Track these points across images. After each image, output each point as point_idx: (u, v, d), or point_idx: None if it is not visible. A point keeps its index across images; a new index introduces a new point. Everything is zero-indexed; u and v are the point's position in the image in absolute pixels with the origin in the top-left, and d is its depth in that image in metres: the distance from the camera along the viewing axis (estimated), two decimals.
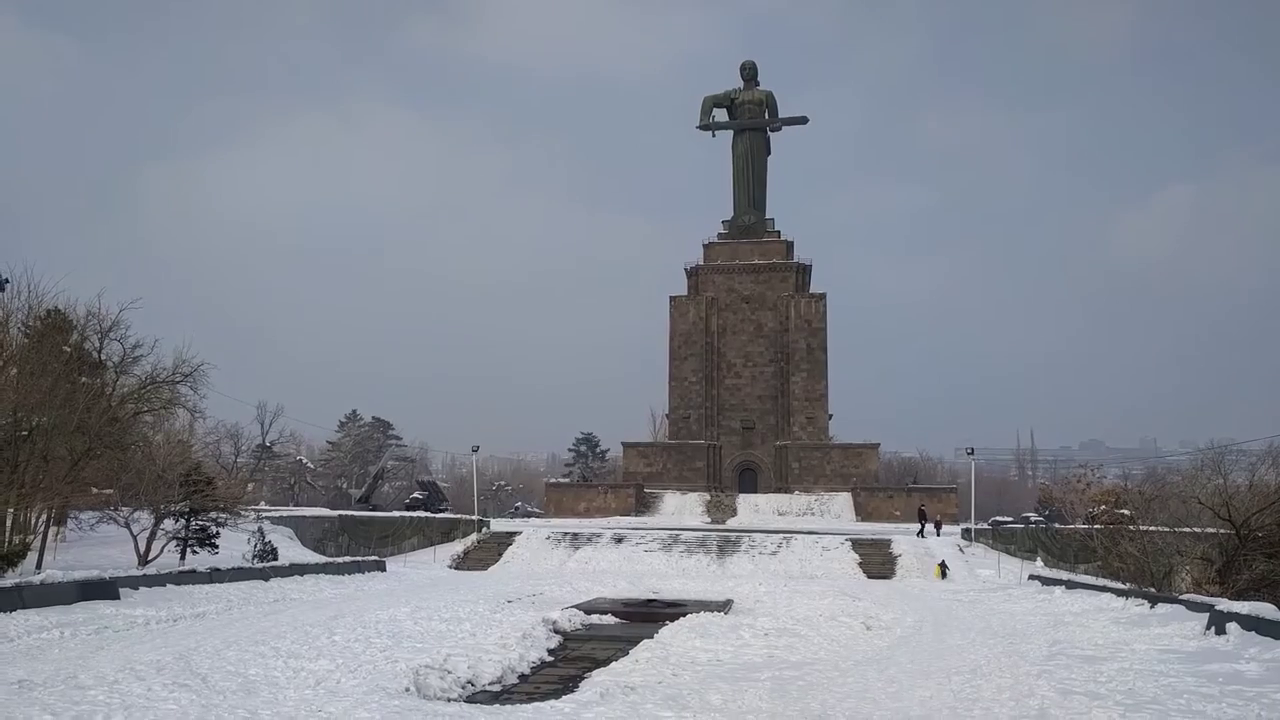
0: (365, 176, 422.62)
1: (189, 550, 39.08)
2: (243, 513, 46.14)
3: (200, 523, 39.21)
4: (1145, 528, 35.89)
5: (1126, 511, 39.77)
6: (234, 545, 41.69)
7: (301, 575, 36.99)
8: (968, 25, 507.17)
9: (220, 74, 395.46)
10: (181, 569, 32.73)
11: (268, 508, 65.32)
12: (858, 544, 55.66)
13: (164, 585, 29.28)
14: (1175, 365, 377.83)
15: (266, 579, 34.33)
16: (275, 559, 41.20)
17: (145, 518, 37.68)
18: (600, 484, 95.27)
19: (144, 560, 36.43)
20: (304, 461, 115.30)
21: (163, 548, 37.74)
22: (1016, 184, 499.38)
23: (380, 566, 45.78)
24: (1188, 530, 35.18)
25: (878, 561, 53.15)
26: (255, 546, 41.96)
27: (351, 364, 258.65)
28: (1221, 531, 34.04)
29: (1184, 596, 26.70)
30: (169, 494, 37.28)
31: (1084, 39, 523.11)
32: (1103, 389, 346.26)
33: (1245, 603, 21.96)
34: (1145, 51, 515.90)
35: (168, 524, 38.30)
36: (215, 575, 32.48)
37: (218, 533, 40.04)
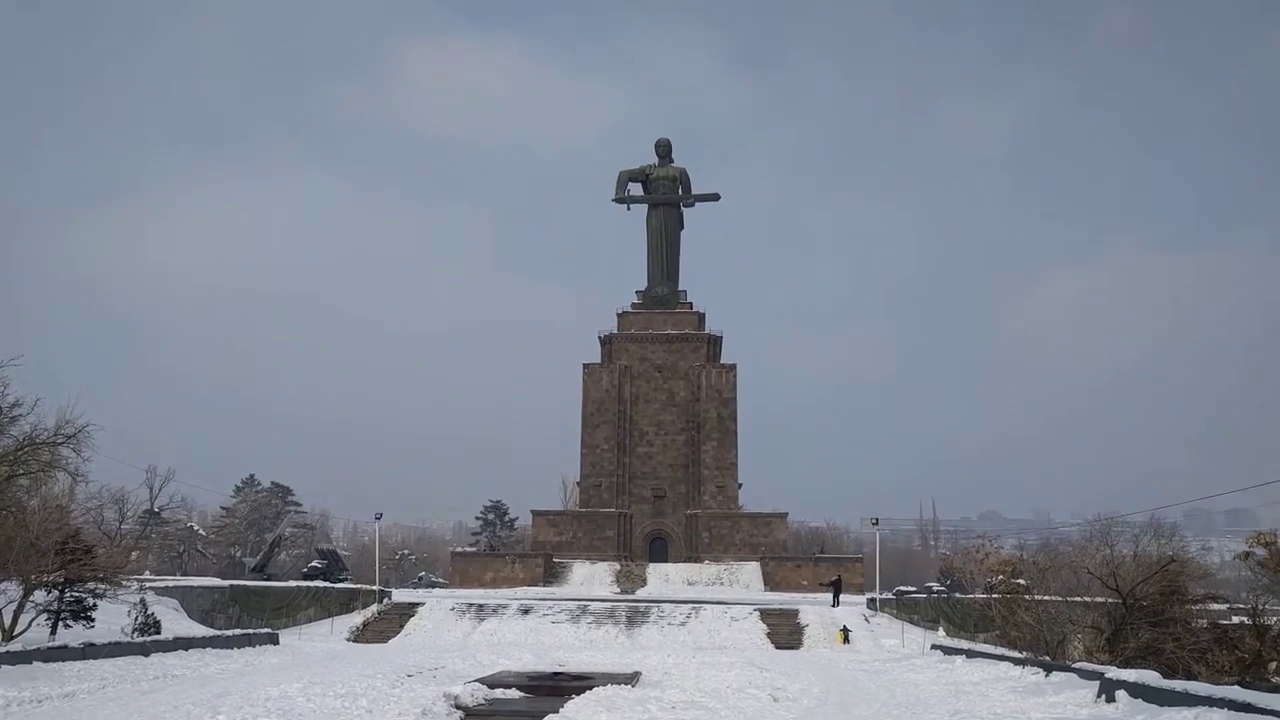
0: (280, 236, 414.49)
1: (61, 624, 36.44)
2: (124, 583, 43.28)
3: (76, 594, 36.68)
4: (1040, 597, 37.04)
5: (1022, 581, 41.00)
6: (113, 618, 39.10)
7: (186, 649, 34.91)
8: (876, 110, 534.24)
9: (134, 127, 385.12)
10: (51, 645, 30.46)
11: (153, 578, 61.65)
12: (766, 614, 55.70)
13: (30, 663, 27.17)
14: (1065, 438, 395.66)
15: (147, 654, 32.24)
16: (158, 632, 38.77)
17: (13, 589, 35.04)
18: (508, 553, 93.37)
19: (9, 635, 33.77)
20: (195, 528, 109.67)
21: (30, 621, 35.10)
22: (919, 261, 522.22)
23: (273, 639, 43.55)
24: (1079, 600, 36.44)
25: (785, 631, 53.22)
26: (136, 619, 39.42)
27: (252, 428, 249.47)
28: (1110, 600, 35.37)
29: (1076, 665, 27.51)
30: (42, 563, 34.82)
31: (979, 128, 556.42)
32: (999, 461, 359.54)
33: (1133, 670, 22.76)
34: (1035, 140, 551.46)
35: (39, 595, 35.69)
36: (89, 651, 30.33)
37: (95, 605, 37.48)
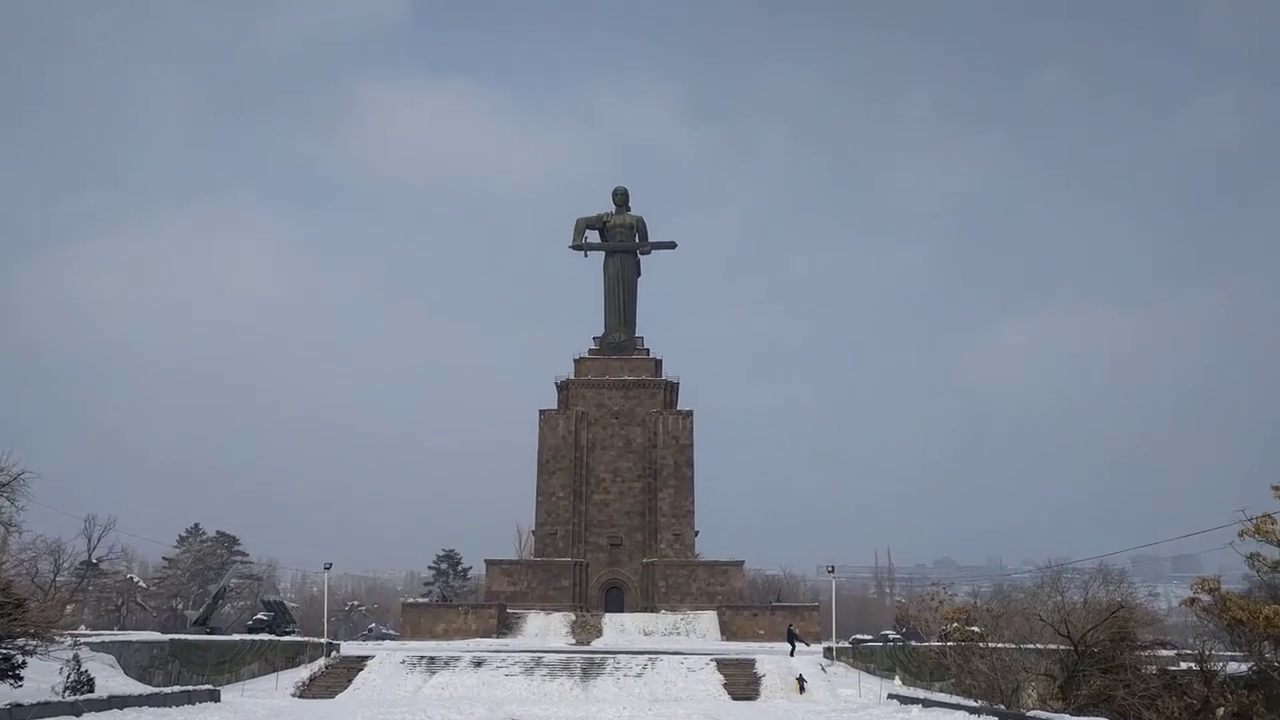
0: (228, 279, 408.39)
1: None
2: (57, 638, 41.52)
3: (4, 651, 35.05)
4: (994, 645, 37.23)
5: (977, 629, 41.23)
6: (44, 676, 37.37)
7: (121, 708, 33.48)
8: (828, 163, 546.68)
9: (84, 170, 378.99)
10: None
11: (88, 632, 59.27)
12: (723, 664, 55.13)
13: None
14: (1017, 485, 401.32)
15: (78, 714, 30.86)
16: (91, 690, 37.12)
17: None
18: (460, 604, 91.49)
19: None
20: (135, 580, 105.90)
21: None
22: (876, 312, 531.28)
23: (214, 696, 42.00)
24: (1032, 647, 36.69)
25: (742, 682, 52.67)
26: (68, 677, 37.73)
27: (198, 476, 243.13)
28: (1062, 647, 35.67)
29: (1031, 713, 27.61)
30: None
31: (929, 182, 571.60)
32: (953, 508, 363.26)
33: (1085, 718, 22.89)
34: (984, 193, 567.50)
35: None
36: (15, 713, 28.90)
37: (24, 662, 35.81)
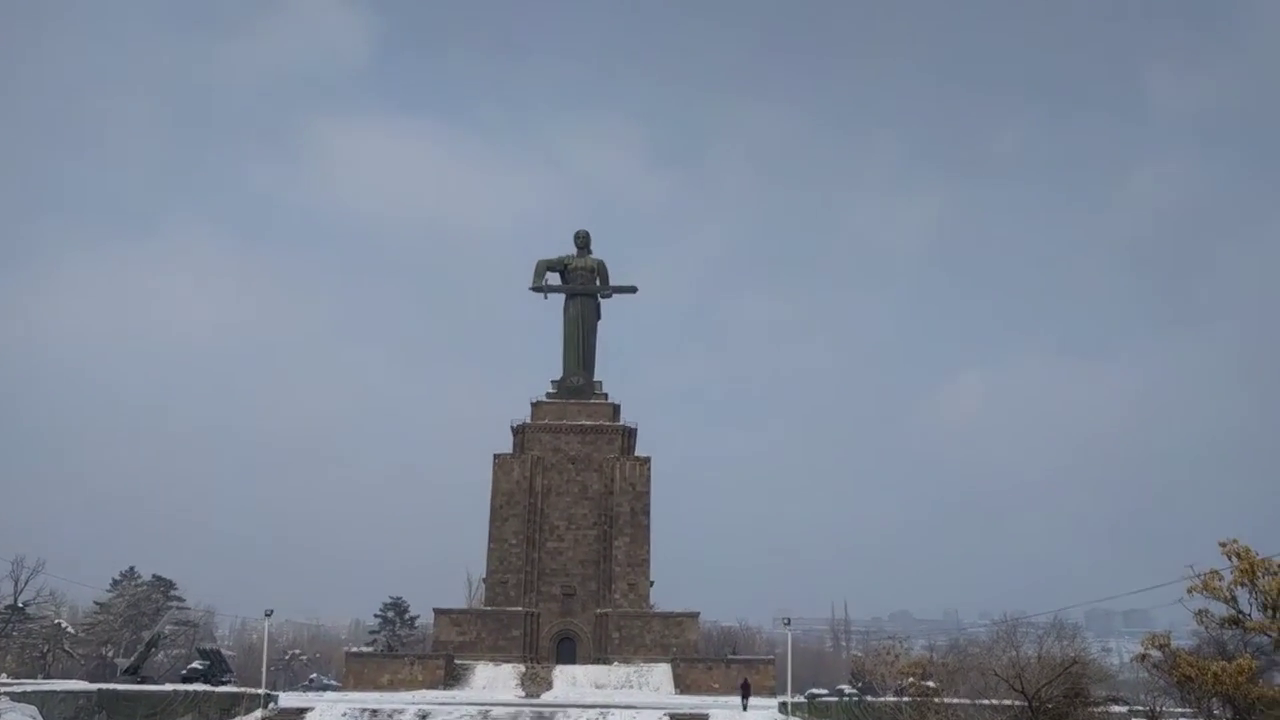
0: (174, 311, 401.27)
1: None
2: None
3: None
4: (949, 700, 36.68)
5: (932, 684, 40.67)
6: None
7: None
8: (790, 211, 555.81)
9: (30, 195, 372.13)
10: None
11: (9, 681, 56.30)
12: (675, 718, 53.86)
13: None
14: (973, 538, 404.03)
15: None
16: None
17: None
18: (406, 654, 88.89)
19: None
20: (63, 625, 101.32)
21: None
22: (832, 359, 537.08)
23: None
24: (987, 703, 36.20)
25: None
26: None
27: (134, 515, 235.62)
28: (1017, 703, 35.22)
29: None
30: None
31: (891, 231, 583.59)
32: (910, 561, 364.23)
33: None
34: (945, 245, 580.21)
35: None
36: None
37: None
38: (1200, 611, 38.86)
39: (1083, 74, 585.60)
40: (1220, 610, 38.31)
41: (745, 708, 60.67)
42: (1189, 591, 37.72)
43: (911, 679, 44.33)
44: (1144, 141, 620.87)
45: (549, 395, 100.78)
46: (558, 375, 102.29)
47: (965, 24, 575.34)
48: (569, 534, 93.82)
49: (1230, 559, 37.04)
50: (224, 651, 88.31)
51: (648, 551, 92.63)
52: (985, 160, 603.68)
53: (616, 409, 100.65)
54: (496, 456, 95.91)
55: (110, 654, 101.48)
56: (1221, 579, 37.51)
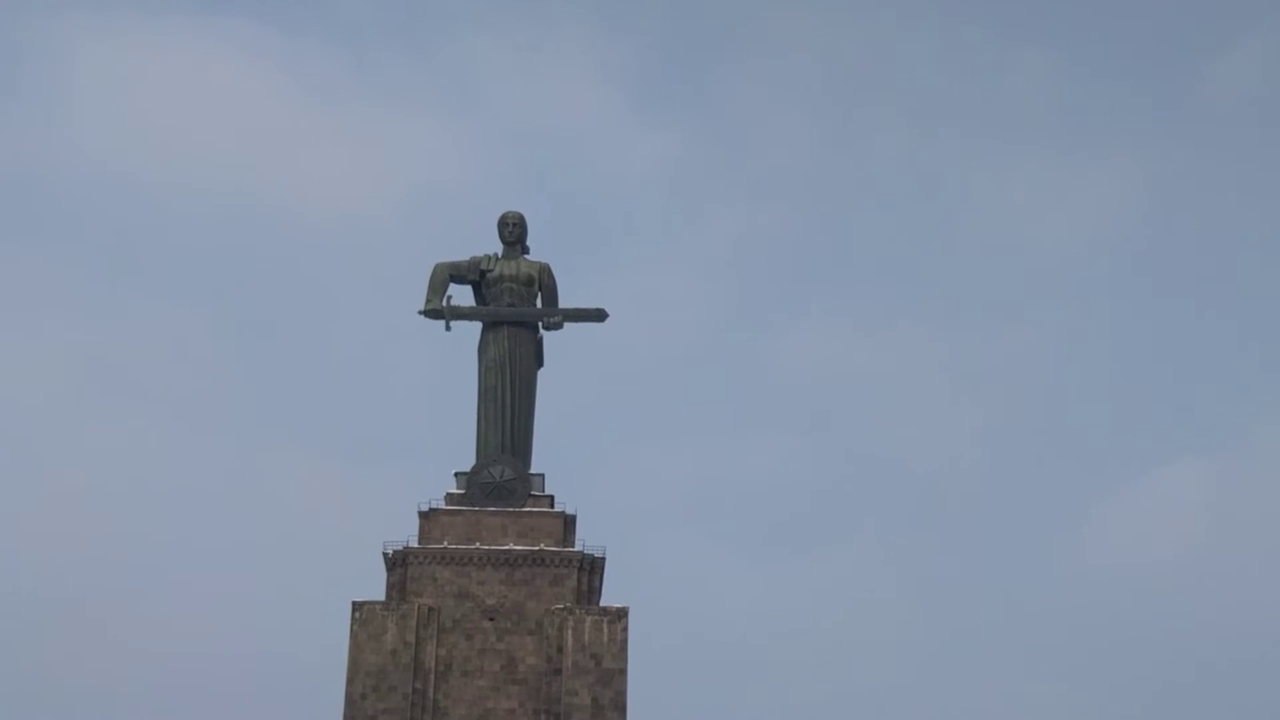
0: None
1: None
2: None
3: None
4: None
5: None
6: None
7: None
8: (864, 188, 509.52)
9: None
10: None
11: None
12: None
13: None
14: None
15: None
16: None
17: None
18: None
19: None
20: None
21: None
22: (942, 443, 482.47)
23: None
24: None
25: None
26: None
27: None
28: None
29: None
30: None
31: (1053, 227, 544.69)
32: None
33: None
34: (1140, 244, 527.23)
35: None
36: None
37: None
38: None
39: None
40: None
41: None
42: None
43: None
44: None
45: (452, 498, 70.04)
46: (467, 463, 71.45)
47: None
48: None
49: None
50: None
51: None
52: (1191, 104, 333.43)
53: (569, 521, 69.48)
54: (357, 607, 64.60)
55: None
56: None
